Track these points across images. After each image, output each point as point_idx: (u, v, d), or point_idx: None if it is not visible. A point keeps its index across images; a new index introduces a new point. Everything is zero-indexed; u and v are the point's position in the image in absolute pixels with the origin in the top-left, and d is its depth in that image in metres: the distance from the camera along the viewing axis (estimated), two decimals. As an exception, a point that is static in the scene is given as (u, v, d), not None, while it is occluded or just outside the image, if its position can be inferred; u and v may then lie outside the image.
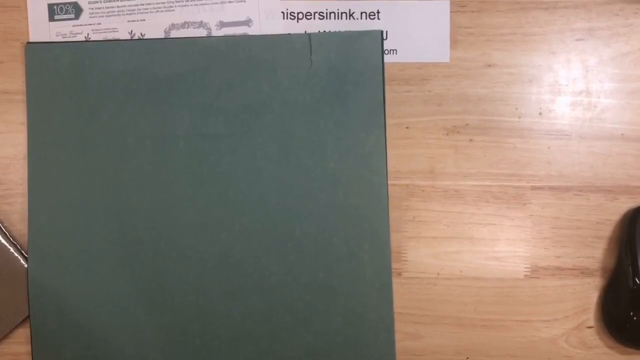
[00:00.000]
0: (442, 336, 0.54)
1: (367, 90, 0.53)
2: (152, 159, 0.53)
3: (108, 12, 0.55)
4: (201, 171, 0.53)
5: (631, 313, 0.51)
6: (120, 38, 0.55)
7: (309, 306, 0.53)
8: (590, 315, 0.53)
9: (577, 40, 0.54)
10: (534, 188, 0.54)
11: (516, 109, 0.54)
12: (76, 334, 0.53)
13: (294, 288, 0.53)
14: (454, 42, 0.54)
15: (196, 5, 0.54)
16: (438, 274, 0.54)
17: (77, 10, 0.55)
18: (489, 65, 0.54)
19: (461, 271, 0.54)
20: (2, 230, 0.53)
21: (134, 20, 0.55)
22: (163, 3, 0.54)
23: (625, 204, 0.53)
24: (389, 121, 0.53)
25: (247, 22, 0.54)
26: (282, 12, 0.55)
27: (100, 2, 0.55)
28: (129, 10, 0.55)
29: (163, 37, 0.54)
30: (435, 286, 0.54)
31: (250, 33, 0.54)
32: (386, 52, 0.54)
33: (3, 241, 0.53)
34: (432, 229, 0.54)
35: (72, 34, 0.55)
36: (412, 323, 0.54)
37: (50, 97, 0.53)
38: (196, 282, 0.53)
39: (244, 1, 0.54)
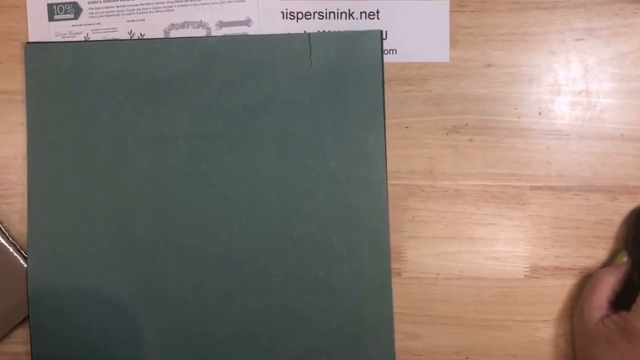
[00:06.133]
0: (442, 336, 0.54)
1: (367, 90, 0.53)
2: (152, 159, 0.53)
3: (107, 12, 0.55)
4: (201, 171, 0.53)
5: None
6: (120, 38, 0.55)
7: (308, 306, 0.53)
8: (589, 315, 0.53)
9: (577, 40, 0.54)
10: (533, 188, 0.54)
11: (516, 108, 0.54)
12: (76, 334, 0.53)
13: (294, 288, 0.53)
14: (454, 42, 0.54)
15: (196, 5, 0.54)
16: (437, 273, 0.54)
17: (77, 10, 0.55)
18: (489, 65, 0.54)
19: (461, 271, 0.54)
20: (2, 231, 0.53)
21: (134, 20, 0.55)
22: (162, 3, 0.54)
23: (625, 204, 0.53)
24: (388, 121, 0.53)
25: (247, 22, 0.54)
26: (282, 12, 0.55)
27: (100, 2, 0.55)
28: (128, 10, 0.55)
29: (162, 37, 0.54)
30: (434, 286, 0.54)
31: (249, 33, 0.54)
32: (386, 52, 0.54)
33: (2, 241, 0.53)
34: (432, 229, 0.54)
35: (72, 34, 0.55)
36: (412, 323, 0.54)
37: (49, 97, 0.54)
38: (196, 282, 0.53)
39: (244, 1, 0.54)
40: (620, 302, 0.51)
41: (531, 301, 0.54)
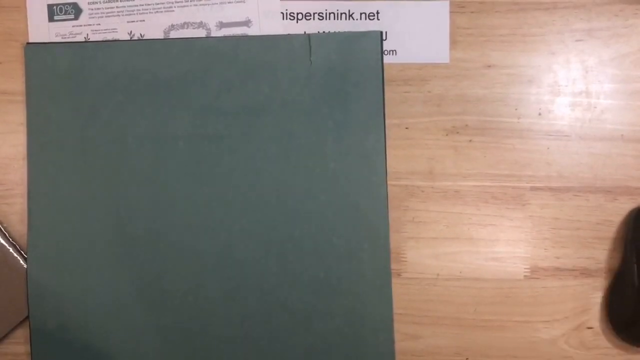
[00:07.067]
0: (442, 337, 0.54)
1: (367, 90, 0.53)
2: (152, 159, 0.53)
3: (107, 13, 0.55)
4: (201, 171, 0.53)
5: (637, 311, 0.51)
6: (120, 38, 0.55)
7: (308, 306, 0.53)
8: (589, 316, 0.53)
9: (577, 40, 0.54)
10: (533, 189, 0.54)
11: (515, 109, 0.54)
12: (76, 334, 0.53)
13: (294, 288, 0.53)
14: (454, 43, 0.54)
15: (196, 5, 0.54)
16: (437, 274, 0.54)
17: (77, 11, 0.55)
18: (489, 66, 0.54)
19: (461, 272, 0.54)
20: (2, 231, 0.53)
21: (134, 21, 0.55)
22: (162, 3, 0.54)
23: (625, 205, 0.53)
24: (388, 122, 0.53)
25: (247, 23, 0.54)
26: (282, 13, 0.55)
27: (100, 2, 0.55)
28: (128, 11, 0.55)
29: (162, 37, 0.54)
30: (434, 287, 0.54)
31: (249, 33, 0.54)
32: (386, 52, 0.54)
33: (2, 242, 0.53)
34: (432, 230, 0.54)
35: (72, 34, 0.55)
36: (412, 323, 0.54)
37: (49, 97, 0.54)
38: (196, 282, 0.53)
39: (244, 2, 0.54)
40: (626, 308, 0.51)
41: (531, 302, 0.54)
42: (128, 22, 0.55)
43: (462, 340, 0.54)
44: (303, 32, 0.54)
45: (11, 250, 0.53)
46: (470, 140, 0.54)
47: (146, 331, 0.53)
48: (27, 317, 0.53)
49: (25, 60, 0.54)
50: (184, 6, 0.54)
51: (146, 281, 0.53)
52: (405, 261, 0.54)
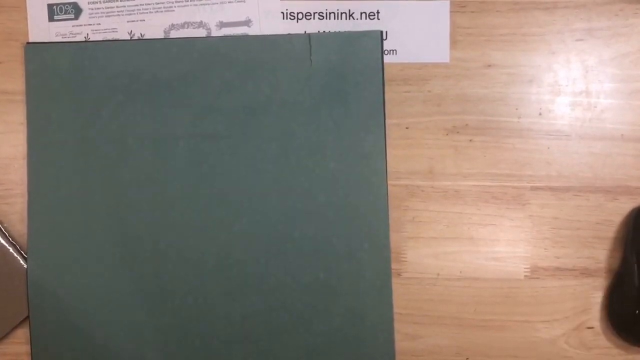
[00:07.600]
0: (442, 336, 0.54)
1: (367, 90, 0.53)
2: (152, 159, 0.53)
3: (108, 13, 0.55)
4: (201, 171, 0.53)
5: (638, 311, 0.51)
6: (120, 38, 0.55)
7: (308, 306, 0.53)
8: (590, 316, 0.53)
9: (577, 40, 0.54)
10: (533, 188, 0.54)
11: (516, 109, 0.54)
12: (76, 334, 0.53)
13: (294, 288, 0.53)
14: (454, 43, 0.54)
15: (196, 5, 0.54)
16: (438, 274, 0.54)
17: (77, 11, 0.55)
18: (489, 66, 0.54)
19: (461, 271, 0.54)
20: (2, 231, 0.53)
21: (134, 21, 0.55)
22: (163, 3, 0.54)
23: (625, 205, 0.53)
24: (388, 121, 0.53)
25: (247, 22, 0.54)
26: (282, 12, 0.55)
27: (100, 2, 0.55)
28: (128, 11, 0.55)
29: (163, 37, 0.54)
30: (434, 286, 0.54)
31: (250, 33, 0.54)
32: (386, 52, 0.54)
33: (2, 241, 0.53)
34: (432, 229, 0.54)
35: (72, 34, 0.55)
36: (412, 323, 0.54)
37: (49, 97, 0.54)
38: (196, 282, 0.53)
39: (244, 1, 0.54)
40: (626, 308, 0.51)
41: (531, 301, 0.54)
42: (128, 21, 0.55)
43: (462, 340, 0.54)
44: (303, 32, 0.54)
45: (11, 250, 0.53)
46: (470, 140, 0.54)
47: (146, 331, 0.53)
48: (27, 317, 0.53)
49: (25, 60, 0.54)
50: (184, 6, 0.54)
51: (146, 281, 0.53)
52: (406, 261, 0.54)
